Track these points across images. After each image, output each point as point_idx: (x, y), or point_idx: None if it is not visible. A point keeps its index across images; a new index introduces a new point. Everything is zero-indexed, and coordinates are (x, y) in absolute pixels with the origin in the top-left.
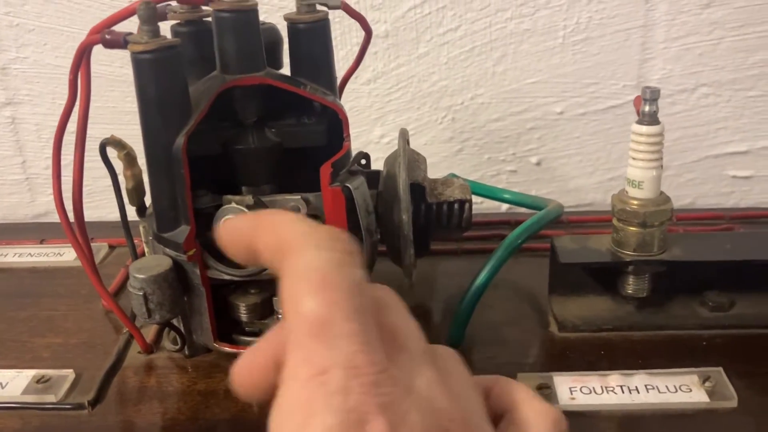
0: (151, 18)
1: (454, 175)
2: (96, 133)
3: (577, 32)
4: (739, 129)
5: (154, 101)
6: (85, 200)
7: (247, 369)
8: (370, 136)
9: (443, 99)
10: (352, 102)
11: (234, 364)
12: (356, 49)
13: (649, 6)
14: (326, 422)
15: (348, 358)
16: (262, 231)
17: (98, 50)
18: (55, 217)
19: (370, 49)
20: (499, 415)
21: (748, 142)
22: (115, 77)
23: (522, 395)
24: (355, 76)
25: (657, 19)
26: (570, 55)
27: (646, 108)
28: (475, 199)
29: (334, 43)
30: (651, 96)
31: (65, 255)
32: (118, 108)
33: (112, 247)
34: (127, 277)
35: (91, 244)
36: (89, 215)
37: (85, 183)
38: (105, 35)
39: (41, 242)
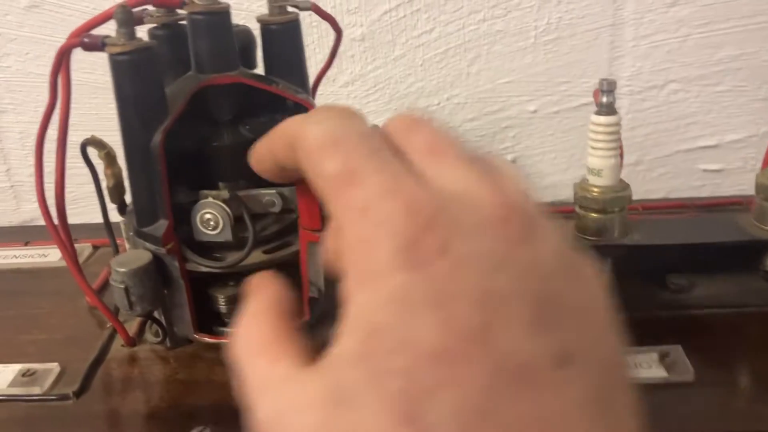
0: (128, 21)
1: None
2: (79, 139)
3: (548, 32)
4: (709, 123)
5: (131, 101)
6: (69, 206)
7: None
8: None
9: (420, 100)
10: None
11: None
12: None
13: (617, 5)
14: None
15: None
16: (275, 139)
17: (82, 59)
18: (40, 222)
19: (348, 52)
20: None
21: (717, 136)
22: (97, 85)
23: None
24: (333, 79)
25: (625, 18)
26: (542, 55)
27: (604, 99)
28: None
29: (311, 47)
30: (608, 87)
31: (50, 256)
32: (101, 114)
33: (95, 248)
34: (109, 275)
35: (75, 245)
36: (74, 220)
37: (68, 189)
38: (84, 38)
39: (26, 244)
